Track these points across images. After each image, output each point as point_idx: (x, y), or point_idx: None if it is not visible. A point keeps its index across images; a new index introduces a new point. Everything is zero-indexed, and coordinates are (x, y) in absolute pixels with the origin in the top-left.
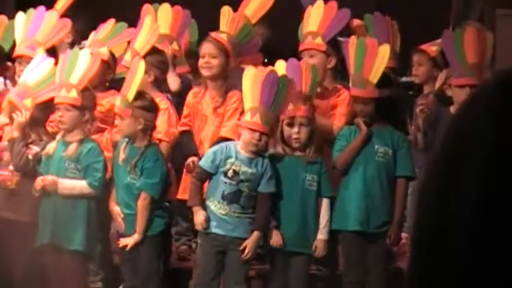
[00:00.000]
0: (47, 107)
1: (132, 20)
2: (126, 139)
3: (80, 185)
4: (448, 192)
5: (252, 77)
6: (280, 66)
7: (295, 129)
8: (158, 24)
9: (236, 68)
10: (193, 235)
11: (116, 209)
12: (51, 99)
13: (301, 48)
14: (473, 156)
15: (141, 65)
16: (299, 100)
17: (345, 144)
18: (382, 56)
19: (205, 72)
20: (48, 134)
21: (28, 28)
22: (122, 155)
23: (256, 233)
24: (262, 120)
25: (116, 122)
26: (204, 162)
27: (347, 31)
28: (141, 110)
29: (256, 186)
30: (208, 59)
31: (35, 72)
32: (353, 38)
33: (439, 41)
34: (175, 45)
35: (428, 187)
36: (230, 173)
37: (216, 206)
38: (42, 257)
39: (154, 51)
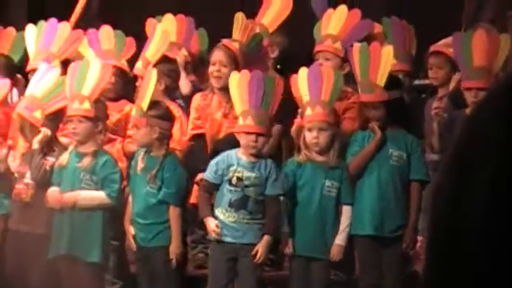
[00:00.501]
0: (57, 117)
1: (143, 30)
2: (144, 149)
3: (99, 196)
4: (460, 194)
5: (237, 82)
6: (303, 73)
7: (314, 134)
8: (168, 32)
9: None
10: (210, 243)
11: (130, 229)
12: (61, 109)
13: (318, 49)
14: (484, 159)
15: (154, 74)
16: (318, 105)
17: (358, 149)
18: (386, 58)
19: (215, 83)
20: (59, 144)
21: (41, 41)
22: (140, 165)
23: (266, 237)
24: (255, 122)
25: (131, 131)
26: (208, 175)
27: (367, 37)
28: (156, 119)
29: (262, 190)
30: (219, 67)
31: (42, 83)
32: (356, 45)
33: (448, 39)
34: (184, 52)
35: (441, 189)
36: (234, 180)
37: (224, 214)
38: (57, 267)
39: (165, 59)
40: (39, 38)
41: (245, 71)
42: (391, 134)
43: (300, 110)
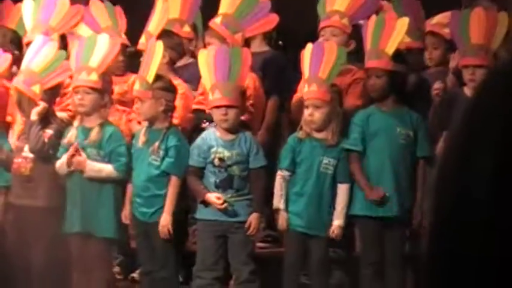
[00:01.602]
0: (54, 91)
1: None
2: (145, 125)
3: (107, 169)
4: (464, 173)
5: (204, 57)
6: (308, 49)
7: (310, 111)
8: (169, 3)
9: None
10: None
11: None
12: (58, 84)
13: (325, 24)
14: (489, 137)
15: (159, 47)
16: (314, 82)
17: (361, 129)
18: (400, 28)
19: None
20: (57, 117)
21: (40, 14)
22: (142, 138)
23: (255, 214)
24: (223, 94)
25: (136, 105)
26: (191, 160)
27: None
28: (162, 91)
29: (246, 166)
30: None
31: (39, 56)
32: (373, 16)
33: (441, 16)
34: (187, 28)
35: (445, 168)
36: (216, 162)
37: (211, 196)
38: (69, 243)
39: (167, 33)
40: (38, 11)
41: (212, 46)
42: (395, 111)
43: (299, 86)
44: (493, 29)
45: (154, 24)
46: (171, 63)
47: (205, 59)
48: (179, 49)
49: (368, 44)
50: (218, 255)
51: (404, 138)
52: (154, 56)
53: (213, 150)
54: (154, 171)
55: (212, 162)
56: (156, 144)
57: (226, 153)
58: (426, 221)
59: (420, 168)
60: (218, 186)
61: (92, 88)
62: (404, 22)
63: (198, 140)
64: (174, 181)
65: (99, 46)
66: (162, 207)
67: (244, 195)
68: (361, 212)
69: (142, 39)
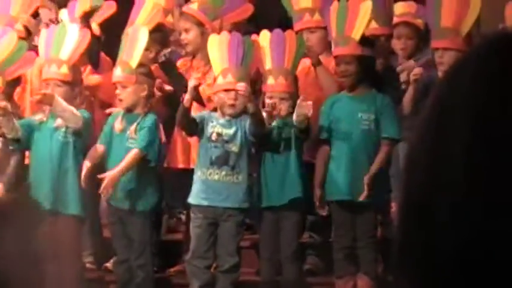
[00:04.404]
0: (15, 81)
1: None
2: (121, 112)
3: (71, 108)
4: (435, 160)
5: (216, 42)
6: (265, 37)
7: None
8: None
9: (228, 25)
10: (183, 208)
11: (87, 165)
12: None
13: (300, 27)
14: (461, 123)
15: (144, 32)
16: (280, 75)
17: (326, 116)
18: (364, 12)
19: (186, 49)
20: (18, 107)
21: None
22: (118, 126)
23: None
24: (236, 78)
25: (117, 91)
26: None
27: None
28: (145, 77)
29: (243, 144)
30: (184, 35)
31: None
32: (335, 3)
33: (407, 4)
34: (171, 19)
35: (415, 155)
36: (214, 136)
37: (206, 173)
38: (39, 223)
39: (158, 27)
40: None
41: (224, 33)
42: (362, 96)
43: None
44: (464, 13)
45: (144, 18)
46: (156, 56)
47: (218, 44)
48: (164, 42)
49: (333, 31)
50: (209, 244)
51: (366, 124)
52: (139, 41)
53: (211, 124)
54: None
55: (210, 137)
56: (133, 127)
57: (225, 130)
58: (396, 204)
59: (382, 145)
60: (214, 163)
61: (63, 81)
62: (367, 6)
63: (198, 115)
64: (135, 153)
65: (69, 37)
66: (138, 193)
67: (239, 174)
68: (332, 197)
69: (130, 30)
